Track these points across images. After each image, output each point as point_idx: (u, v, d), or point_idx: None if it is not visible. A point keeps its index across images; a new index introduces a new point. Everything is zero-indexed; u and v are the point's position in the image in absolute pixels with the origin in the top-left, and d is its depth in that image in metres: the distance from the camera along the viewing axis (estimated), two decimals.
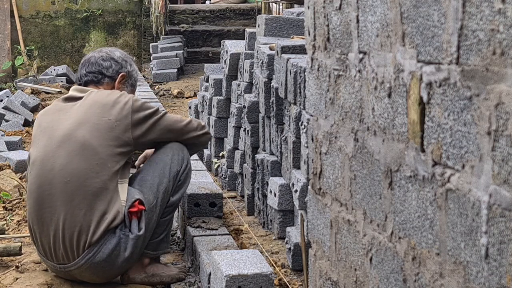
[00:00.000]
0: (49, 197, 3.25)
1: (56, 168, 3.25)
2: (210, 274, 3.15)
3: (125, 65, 3.59)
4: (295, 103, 3.56)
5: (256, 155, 4.38)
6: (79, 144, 3.25)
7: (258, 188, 4.30)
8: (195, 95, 9.15)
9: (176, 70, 10.53)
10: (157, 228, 3.40)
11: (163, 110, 3.50)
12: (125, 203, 3.25)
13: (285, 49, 3.86)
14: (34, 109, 8.47)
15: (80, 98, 3.42)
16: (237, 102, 5.05)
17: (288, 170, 3.74)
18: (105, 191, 3.22)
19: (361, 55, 1.95)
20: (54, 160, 3.27)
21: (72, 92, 3.49)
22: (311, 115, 2.38)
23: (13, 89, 10.40)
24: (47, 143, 3.32)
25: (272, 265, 3.45)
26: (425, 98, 1.60)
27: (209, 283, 3.16)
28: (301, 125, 3.37)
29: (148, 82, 10.36)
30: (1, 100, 8.00)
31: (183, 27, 12.06)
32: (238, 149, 4.99)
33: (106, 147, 3.25)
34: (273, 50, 4.17)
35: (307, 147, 3.16)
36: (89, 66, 3.54)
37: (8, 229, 4.16)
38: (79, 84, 3.56)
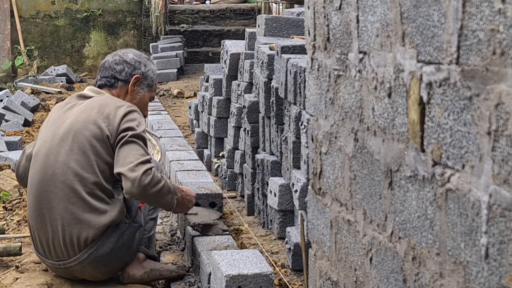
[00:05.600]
0: (48, 194, 3.27)
1: (58, 164, 3.28)
2: (210, 274, 3.15)
3: (138, 67, 3.55)
4: (295, 103, 3.56)
5: (256, 155, 4.38)
6: (76, 143, 3.28)
7: (258, 188, 4.30)
8: (195, 95, 9.14)
9: (176, 70, 10.53)
10: (146, 225, 3.50)
11: (142, 139, 3.29)
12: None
13: (285, 49, 3.86)
14: (34, 109, 8.47)
15: (91, 97, 3.45)
16: (237, 102, 5.05)
17: (288, 170, 3.74)
18: (102, 192, 3.25)
19: (361, 55, 1.95)
20: (57, 156, 3.29)
21: (87, 91, 3.52)
22: (311, 115, 2.38)
23: (13, 89, 10.40)
24: (51, 138, 3.35)
25: (272, 265, 3.45)
26: (425, 98, 1.60)
27: (209, 283, 3.16)
28: (301, 125, 3.37)
29: None
30: (1, 100, 8.00)
31: (183, 27, 12.05)
32: (238, 149, 4.99)
33: (98, 148, 3.27)
34: (273, 50, 4.17)
35: (307, 147, 3.15)
36: (103, 70, 3.54)
37: (8, 229, 4.16)
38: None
